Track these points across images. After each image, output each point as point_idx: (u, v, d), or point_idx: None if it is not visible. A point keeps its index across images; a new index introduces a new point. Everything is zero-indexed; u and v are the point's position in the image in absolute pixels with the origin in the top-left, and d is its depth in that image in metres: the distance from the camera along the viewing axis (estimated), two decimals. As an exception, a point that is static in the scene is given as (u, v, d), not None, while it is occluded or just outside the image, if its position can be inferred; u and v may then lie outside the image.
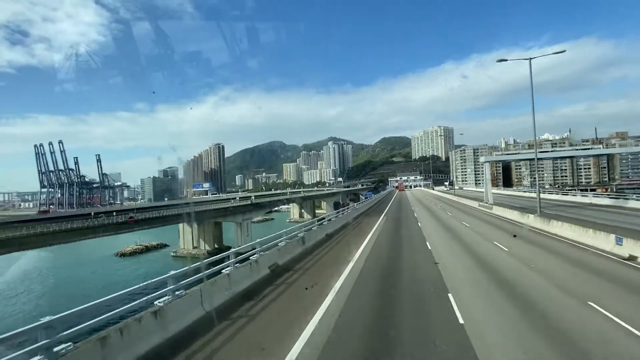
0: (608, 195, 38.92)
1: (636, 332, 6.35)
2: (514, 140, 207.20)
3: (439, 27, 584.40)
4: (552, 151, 34.64)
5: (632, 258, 12.03)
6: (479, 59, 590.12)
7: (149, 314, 5.86)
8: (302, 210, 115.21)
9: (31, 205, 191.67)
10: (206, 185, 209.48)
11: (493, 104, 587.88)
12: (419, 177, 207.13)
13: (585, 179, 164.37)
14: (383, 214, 31.88)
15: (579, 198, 41.03)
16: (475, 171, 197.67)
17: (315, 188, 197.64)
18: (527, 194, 59.06)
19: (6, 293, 40.28)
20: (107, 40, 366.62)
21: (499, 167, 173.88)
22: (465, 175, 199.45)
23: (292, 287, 9.53)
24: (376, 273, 11.27)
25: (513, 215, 26.14)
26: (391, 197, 78.04)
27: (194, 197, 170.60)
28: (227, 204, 72.29)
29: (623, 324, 6.71)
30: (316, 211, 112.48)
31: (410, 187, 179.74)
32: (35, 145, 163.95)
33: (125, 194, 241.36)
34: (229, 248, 41.73)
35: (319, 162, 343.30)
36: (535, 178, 26.42)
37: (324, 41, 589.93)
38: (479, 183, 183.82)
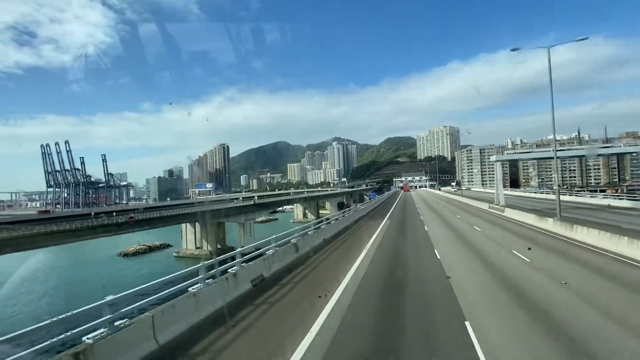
0: (627, 197, 36.68)
1: None
2: (521, 140, 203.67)
3: (444, 26, 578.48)
4: (569, 149, 32.42)
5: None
6: (486, 58, 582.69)
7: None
8: (306, 211, 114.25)
9: (38, 205, 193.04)
10: (209, 186, 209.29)
11: (499, 104, 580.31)
12: (424, 178, 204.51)
13: (594, 179, 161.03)
14: (387, 217, 30.06)
15: (594, 200, 38.99)
16: (482, 171, 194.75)
17: (319, 188, 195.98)
18: (538, 195, 56.92)
19: (15, 294, 39.67)
20: (114, 41, 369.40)
21: (506, 167, 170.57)
22: (472, 175, 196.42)
23: (274, 308, 7.98)
24: (377, 291, 9.56)
25: (529, 218, 24.06)
26: (395, 198, 76.15)
27: (200, 197, 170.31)
28: (229, 204, 71.59)
29: None
30: (320, 211, 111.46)
31: (416, 187, 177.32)
32: (41, 145, 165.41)
33: (132, 193, 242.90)
34: (232, 248, 40.55)
35: (323, 162, 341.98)
36: (554, 178, 24.22)
37: (329, 41, 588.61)
38: (486, 184, 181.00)
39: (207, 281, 7.44)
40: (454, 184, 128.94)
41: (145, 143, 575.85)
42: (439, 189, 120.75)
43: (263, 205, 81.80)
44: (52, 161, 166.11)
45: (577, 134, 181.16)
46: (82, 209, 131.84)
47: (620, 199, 35.21)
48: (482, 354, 5.61)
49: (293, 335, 6.21)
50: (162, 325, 5.78)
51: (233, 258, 8.81)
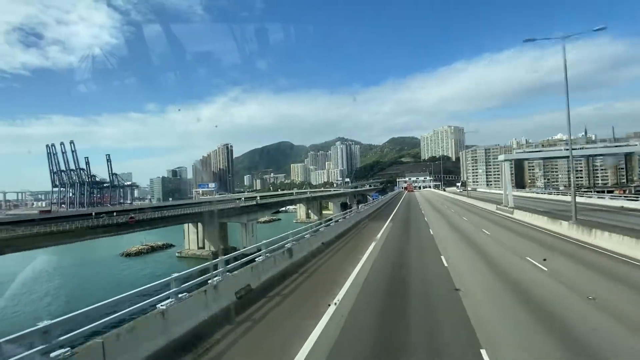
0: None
1: None
2: (526, 140, 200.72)
3: (449, 26, 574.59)
4: (584, 147, 30.84)
5: None
6: (491, 58, 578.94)
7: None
8: (309, 211, 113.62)
9: (44, 205, 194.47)
10: (212, 186, 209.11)
11: (503, 104, 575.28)
12: (428, 178, 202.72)
13: (602, 180, 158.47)
14: (389, 219, 28.88)
15: (604, 201, 37.60)
16: (486, 172, 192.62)
17: (322, 188, 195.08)
18: (545, 196, 55.42)
19: (18, 294, 39.32)
20: (119, 42, 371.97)
21: (512, 167, 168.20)
22: (477, 176, 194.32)
23: (257, 326, 6.94)
24: (375, 310, 8.25)
25: (540, 221, 22.54)
26: (399, 198, 74.88)
27: (204, 197, 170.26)
28: (231, 205, 71.07)
29: None
30: (323, 212, 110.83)
31: (420, 187, 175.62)
32: (46, 145, 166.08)
33: (136, 193, 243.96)
34: (235, 249, 39.95)
35: (326, 163, 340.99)
36: (569, 178, 22.80)
37: (333, 42, 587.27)
38: (491, 184, 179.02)
39: (180, 295, 6.40)
40: (459, 184, 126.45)
41: (150, 143, 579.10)
42: (444, 190, 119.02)
43: (265, 206, 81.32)
44: (57, 161, 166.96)
45: (583, 133, 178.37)
46: (87, 208, 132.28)
47: (633, 200, 33.69)
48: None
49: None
50: (116, 353, 4.78)
51: (216, 267, 7.80)
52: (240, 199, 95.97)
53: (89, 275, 48.88)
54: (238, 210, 65.32)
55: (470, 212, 35.77)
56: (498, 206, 33.55)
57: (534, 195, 61.71)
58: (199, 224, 62.95)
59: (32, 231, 38.38)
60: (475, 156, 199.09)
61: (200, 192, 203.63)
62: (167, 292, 6.22)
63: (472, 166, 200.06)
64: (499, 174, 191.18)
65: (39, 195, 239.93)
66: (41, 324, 4.25)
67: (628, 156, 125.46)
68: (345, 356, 5.88)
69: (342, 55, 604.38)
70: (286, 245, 12.26)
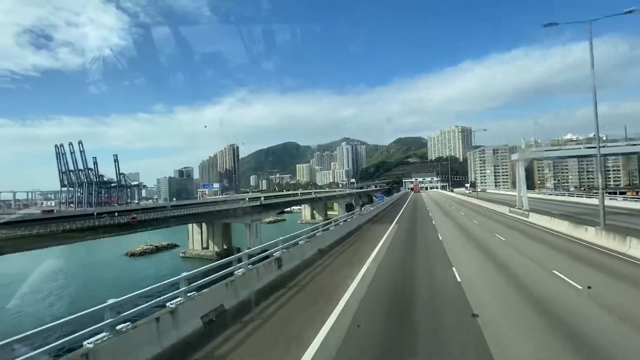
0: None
1: None
2: (535, 140, 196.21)
3: (456, 25, 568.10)
4: (612, 145, 28.47)
5: None
6: (498, 57, 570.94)
7: None
8: (314, 212, 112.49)
9: (52, 204, 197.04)
10: (216, 186, 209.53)
11: (510, 104, 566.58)
12: (435, 179, 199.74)
13: (614, 181, 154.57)
14: (394, 221, 27.27)
15: (621, 202, 35.52)
16: (495, 172, 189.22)
17: (327, 189, 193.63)
18: (558, 198, 53.18)
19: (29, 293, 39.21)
20: (127, 44, 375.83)
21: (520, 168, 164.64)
22: (485, 176, 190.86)
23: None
24: (376, 337, 6.49)
25: (561, 226, 20.29)
26: (405, 199, 73.03)
27: (209, 197, 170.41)
28: (235, 205, 70.41)
29: None
30: (328, 212, 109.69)
31: (426, 188, 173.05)
32: (55, 146, 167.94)
33: (143, 193, 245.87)
34: (238, 250, 39.15)
35: (332, 163, 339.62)
36: (597, 178, 20.82)
37: (339, 42, 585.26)
38: (499, 185, 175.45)
39: (120, 327, 5.02)
40: (467, 184, 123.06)
41: (157, 144, 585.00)
42: (451, 190, 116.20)
43: (269, 206, 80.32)
44: (66, 161, 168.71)
45: (593, 133, 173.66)
46: (95, 208, 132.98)
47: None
48: None
49: None
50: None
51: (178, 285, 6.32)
52: (245, 199, 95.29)
53: (90, 276, 48.57)
54: (241, 210, 64.51)
55: (480, 214, 33.83)
56: (511, 208, 31.51)
57: (545, 196, 59.46)
58: (203, 225, 62.41)
59: (32, 231, 37.91)
60: (483, 156, 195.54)
61: (207, 192, 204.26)
62: (100, 324, 4.77)
63: (480, 167, 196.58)
64: (507, 175, 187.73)
65: (49, 195, 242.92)
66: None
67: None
68: None
69: (348, 55, 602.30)
70: (275, 254, 10.65)
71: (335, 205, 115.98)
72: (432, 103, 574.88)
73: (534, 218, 25.23)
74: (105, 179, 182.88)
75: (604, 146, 25.41)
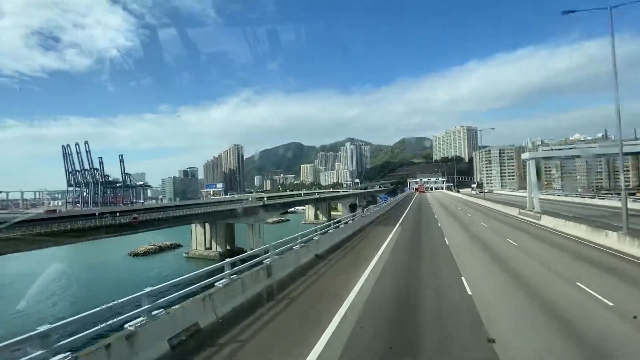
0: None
1: None
2: (541, 140, 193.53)
3: (462, 25, 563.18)
4: (632, 143, 26.99)
5: None
6: (504, 57, 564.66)
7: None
8: (318, 212, 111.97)
9: (60, 204, 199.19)
10: (219, 186, 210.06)
11: (516, 104, 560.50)
12: (440, 179, 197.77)
13: (624, 182, 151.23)
14: (398, 223, 26.46)
15: (633, 204, 34.09)
16: (501, 173, 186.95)
17: (331, 189, 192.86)
18: (568, 199, 51.77)
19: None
20: (134, 45, 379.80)
21: (526, 168, 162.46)
22: (491, 177, 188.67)
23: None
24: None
25: (578, 230, 18.89)
26: (410, 200, 72.00)
27: (214, 197, 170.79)
28: (237, 205, 70.20)
29: None
30: (332, 213, 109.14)
31: (431, 189, 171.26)
32: (62, 146, 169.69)
33: (149, 193, 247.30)
34: (242, 250, 38.93)
35: (336, 163, 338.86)
36: (619, 178, 19.66)
37: (343, 42, 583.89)
38: (505, 185, 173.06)
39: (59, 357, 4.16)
40: (474, 185, 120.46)
41: (163, 144, 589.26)
42: (457, 191, 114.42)
43: (272, 207, 79.94)
44: (72, 161, 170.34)
45: (603, 134, 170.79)
46: (100, 207, 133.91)
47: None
48: None
49: None
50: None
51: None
52: (248, 199, 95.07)
53: (91, 276, 48.53)
54: (244, 210, 64.31)
55: (489, 216, 32.70)
56: (521, 210, 30.36)
57: (553, 197, 57.95)
58: (207, 225, 62.37)
59: (33, 232, 37.88)
60: (489, 157, 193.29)
61: (212, 192, 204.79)
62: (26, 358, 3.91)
63: (486, 167, 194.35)
64: (514, 175, 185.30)
65: (56, 195, 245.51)
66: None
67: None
68: None
69: (352, 55, 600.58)
70: (265, 261, 9.65)
71: (339, 206, 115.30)
72: (437, 103, 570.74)
73: (547, 221, 23.93)
74: (110, 179, 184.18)
75: (628, 144, 24.14)
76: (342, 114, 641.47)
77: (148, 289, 5.69)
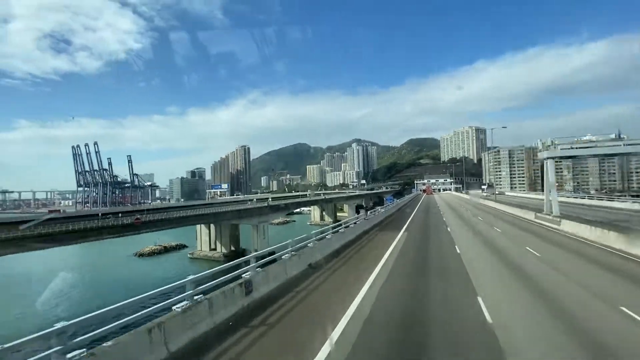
0: None
1: None
2: (552, 141, 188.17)
3: (470, 25, 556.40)
4: None
5: None
6: (513, 57, 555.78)
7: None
8: (324, 213, 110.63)
9: (70, 203, 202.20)
10: (225, 186, 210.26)
11: (526, 104, 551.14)
12: (448, 180, 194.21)
13: (636, 183, 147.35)
14: (404, 228, 24.78)
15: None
16: (510, 174, 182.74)
17: (337, 190, 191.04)
18: (584, 202, 49.17)
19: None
20: (143, 47, 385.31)
21: (537, 170, 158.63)
22: (500, 178, 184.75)
23: None
24: None
25: (607, 238, 16.57)
26: (417, 202, 69.92)
27: (220, 197, 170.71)
28: (242, 206, 69.37)
29: None
30: (338, 214, 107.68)
31: (439, 190, 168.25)
32: (72, 147, 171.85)
33: (157, 193, 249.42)
34: (245, 251, 37.99)
35: (342, 164, 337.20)
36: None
37: (350, 43, 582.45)
38: (515, 187, 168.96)
39: None
40: (484, 186, 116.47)
41: (171, 145, 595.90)
42: (467, 193, 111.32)
43: (277, 208, 78.79)
44: (82, 162, 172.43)
45: (616, 134, 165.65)
46: (109, 207, 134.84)
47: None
48: None
49: None
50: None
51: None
52: (252, 200, 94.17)
53: (93, 277, 48.59)
54: (248, 211, 63.43)
55: (502, 220, 30.64)
56: (537, 214, 28.23)
57: (567, 199, 55.17)
58: (211, 225, 61.75)
59: (34, 232, 37.59)
60: (499, 157, 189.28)
61: (218, 192, 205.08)
62: None
63: (495, 168, 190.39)
64: (524, 177, 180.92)
65: (67, 195, 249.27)
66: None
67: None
68: None
69: (359, 56, 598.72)
70: (244, 275, 8.16)
71: (345, 207, 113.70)
72: (445, 103, 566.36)
73: (568, 226, 21.69)
74: (119, 180, 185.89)
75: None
76: (349, 115, 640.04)
77: (59, 325, 4.21)
